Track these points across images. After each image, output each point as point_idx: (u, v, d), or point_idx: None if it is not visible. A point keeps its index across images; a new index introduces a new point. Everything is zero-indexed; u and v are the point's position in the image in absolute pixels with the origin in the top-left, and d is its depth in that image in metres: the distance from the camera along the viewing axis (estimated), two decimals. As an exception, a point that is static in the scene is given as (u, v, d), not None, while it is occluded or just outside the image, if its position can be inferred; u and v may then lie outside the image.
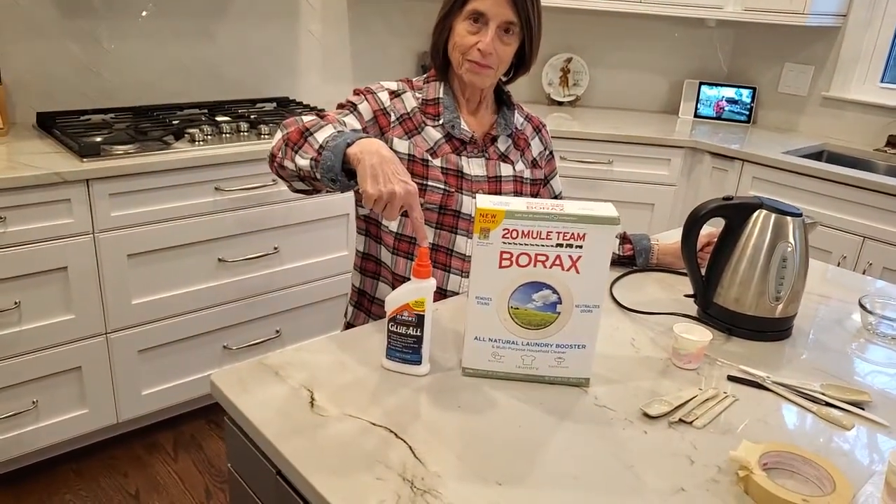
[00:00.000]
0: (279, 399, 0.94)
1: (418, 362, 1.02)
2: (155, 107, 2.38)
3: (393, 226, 1.31)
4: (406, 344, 1.01)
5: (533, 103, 3.26)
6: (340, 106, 1.28)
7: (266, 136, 2.18)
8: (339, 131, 1.07)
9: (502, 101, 1.38)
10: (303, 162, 1.07)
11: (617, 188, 2.76)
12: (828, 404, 1.02)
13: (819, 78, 2.95)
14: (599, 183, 2.76)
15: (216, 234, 2.09)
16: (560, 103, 3.26)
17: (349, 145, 1.01)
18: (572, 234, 0.95)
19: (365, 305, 1.40)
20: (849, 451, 0.92)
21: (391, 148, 1.24)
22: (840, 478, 0.81)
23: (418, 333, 1.00)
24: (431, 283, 0.99)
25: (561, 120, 2.92)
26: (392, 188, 0.96)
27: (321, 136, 1.07)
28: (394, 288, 1.34)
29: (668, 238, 1.53)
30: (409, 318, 1.00)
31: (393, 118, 1.28)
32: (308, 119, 1.13)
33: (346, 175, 1.02)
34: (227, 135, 2.18)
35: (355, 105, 1.27)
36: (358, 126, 1.24)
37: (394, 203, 0.96)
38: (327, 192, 1.14)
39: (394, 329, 1.01)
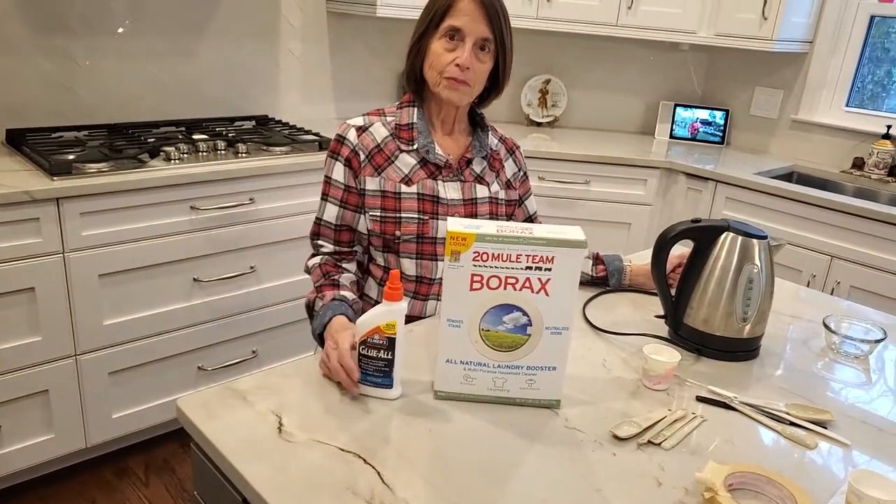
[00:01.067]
0: (246, 424, 0.93)
1: (389, 386, 1.02)
2: (131, 124, 2.36)
3: (379, 260, 1.33)
4: (377, 367, 1.01)
5: (512, 124, 3.30)
6: (324, 179, 1.32)
7: (243, 155, 2.17)
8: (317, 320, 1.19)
9: (476, 123, 1.39)
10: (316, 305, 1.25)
11: (594, 208, 2.79)
12: (793, 424, 1.04)
13: (788, 101, 3.02)
14: (577, 203, 2.78)
15: (191, 254, 2.08)
16: (539, 124, 3.30)
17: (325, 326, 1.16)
18: (541, 256, 0.96)
19: None
20: (812, 471, 0.93)
21: (363, 189, 1.30)
22: (802, 497, 0.82)
23: (389, 356, 1.00)
24: (402, 306, 1.00)
25: (540, 140, 2.95)
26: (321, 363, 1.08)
27: (313, 320, 1.23)
28: None
29: (641, 259, 1.55)
30: (380, 342, 0.99)
31: (363, 157, 1.30)
32: (311, 290, 1.28)
33: None
34: (204, 153, 2.17)
35: (329, 180, 1.32)
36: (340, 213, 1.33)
37: (340, 378, 1.02)
38: None
39: (364, 352, 1.01)
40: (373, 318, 1.00)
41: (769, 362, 1.24)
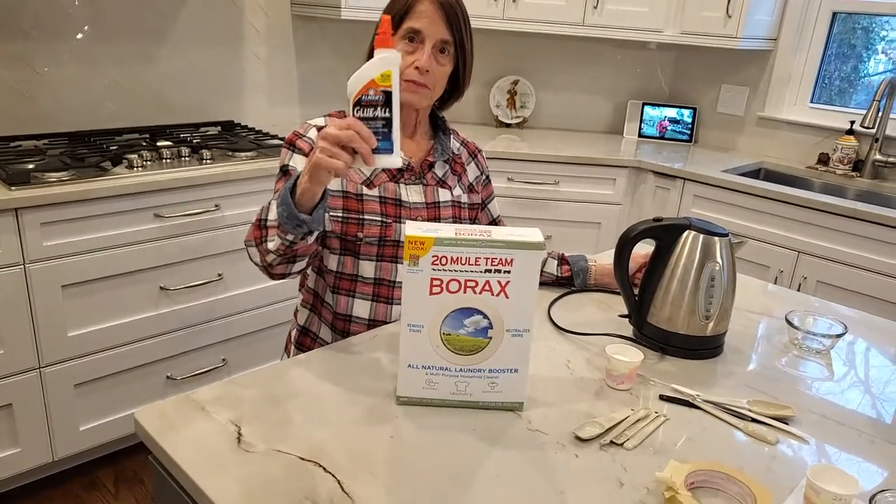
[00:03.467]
0: (205, 436, 0.91)
1: (389, 151, 0.93)
2: (92, 132, 2.32)
3: (332, 265, 1.30)
4: (375, 129, 0.91)
5: (481, 125, 3.30)
6: (281, 170, 1.29)
7: (208, 161, 2.15)
8: (284, 188, 1.09)
9: (437, 126, 1.39)
10: (272, 244, 1.12)
11: (564, 208, 2.80)
12: (754, 420, 1.04)
13: (754, 99, 3.06)
14: (547, 203, 2.79)
15: (157, 262, 2.04)
16: (508, 125, 3.30)
17: (292, 191, 1.05)
18: (500, 259, 0.95)
19: (307, 345, 1.39)
20: (773, 467, 0.94)
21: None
22: (761, 493, 0.82)
23: (387, 115, 0.91)
24: (396, 56, 0.93)
25: (509, 141, 2.96)
26: (316, 157, 0.98)
27: (272, 214, 1.11)
28: (333, 329, 1.33)
29: (606, 258, 1.55)
30: (376, 97, 0.90)
31: None
32: (262, 208, 1.17)
33: (308, 212, 1.06)
34: (168, 160, 2.14)
35: (286, 168, 1.28)
36: None
37: (326, 155, 0.95)
38: (304, 257, 1.17)
39: (359, 114, 0.91)
40: (365, 72, 0.90)
41: (733, 359, 1.25)
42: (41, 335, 1.87)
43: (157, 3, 2.42)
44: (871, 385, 1.20)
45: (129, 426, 2.13)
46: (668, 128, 3.24)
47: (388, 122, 0.91)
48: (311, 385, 1.04)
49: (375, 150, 0.93)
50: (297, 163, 1.27)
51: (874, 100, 2.51)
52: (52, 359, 1.91)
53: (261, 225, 1.15)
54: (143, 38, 2.42)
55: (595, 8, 2.81)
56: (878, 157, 2.68)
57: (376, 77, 0.89)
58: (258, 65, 2.76)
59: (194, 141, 2.31)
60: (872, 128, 2.59)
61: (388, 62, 0.90)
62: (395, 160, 0.95)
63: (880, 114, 2.62)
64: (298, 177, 1.06)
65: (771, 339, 1.34)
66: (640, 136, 3.26)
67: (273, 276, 1.20)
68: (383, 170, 1.29)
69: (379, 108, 0.90)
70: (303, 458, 0.88)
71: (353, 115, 0.92)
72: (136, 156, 2.05)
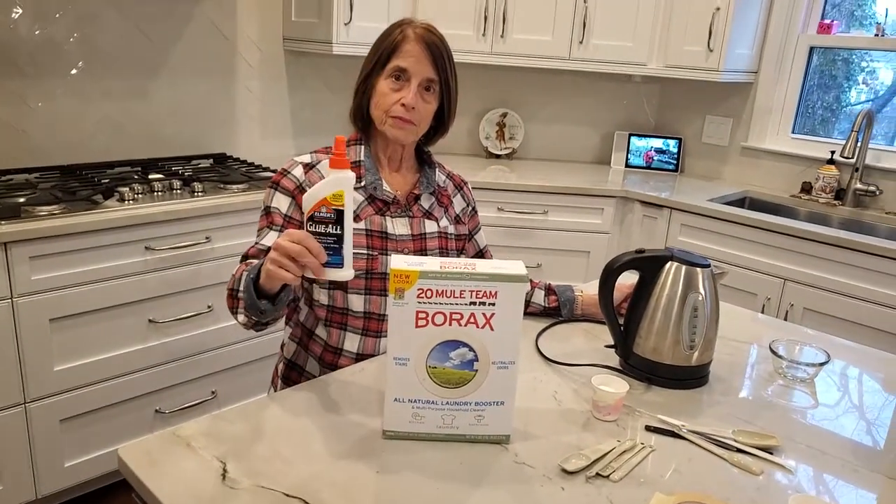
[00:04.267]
0: (189, 472, 0.91)
1: (339, 265, 0.97)
2: (84, 165, 2.34)
3: (323, 298, 1.31)
4: (326, 245, 0.95)
5: (471, 156, 3.34)
6: (264, 210, 1.30)
7: (199, 194, 2.16)
8: (247, 274, 1.13)
9: (423, 160, 1.41)
10: (241, 318, 1.17)
11: (553, 237, 2.82)
12: (740, 450, 1.05)
13: (738, 129, 3.11)
14: (536, 232, 2.82)
15: (146, 295, 2.04)
16: (497, 156, 3.34)
17: (256, 281, 1.09)
18: (485, 291, 0.97)
19: (294, 379, 1.39)
20: (757, 498, 0.95)
21: None
22: (746, 526, 0.83)
23: (338, 231, 0.95)
24: (350, 176, 0.96)
25: (499, 172, 2.99)
26: (267, 267, 1.02)
27: (242, 285, 1.14)
28: (321, 362, 1.34)
29: (593, 288, 1.56)
30: (328, 215, 0.94)
31: None
32: (233, 276, 1.20)
33: (269, 300, 1.11)
34: (159, 193, 2.15)
35: (269, 209, 1.29)
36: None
37: (276, 266, 0.99)
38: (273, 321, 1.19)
39: (312, 229, 0.95)
40: (318, 191, 0.94)
41: (719, 389, 1.26)
42: (27, 370, 1.86)
43: (151, 37, 2.46)
44: (856, 414, 1.21)
45: (116, 462, 2.10)
46: (655, 158, 3.29)
47: (338, 239, 0.96)
48: (298, 419, 1.05)
49: (326, 264, 0.97)
50: (280, 202, 1.29)
51: (853, 130, 2.56)
52: (38, 394, 1.89)
53: (233, 295, 1.18)
54: (136, 73, 2.45)
55: (581, 42, 2.87)
56: (858, 185, 2.73)
57: (328, 196, 0.94)
58: (251, 98, 2.79)
59: (186, 174, 2.33)
60: (852, 157, 2.63)
61: (341, 183, 0.95)
62: (345, 273, 0.99)
63: (859, 144, 2.67)
64: (263, 263, 1.09)
65: (756, 368, 1.35)
66: (627, 166, 3.30)
67: (255, 331, 1.23)
68: (369, 203, 1.31)
69: (331, 226, 0.95)
70: (288, 495, 0.88)
71: (307, 229, 0.97)
72: (127, 189, 2.06)
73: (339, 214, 0.94)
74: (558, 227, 2.82)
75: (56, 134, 2.32)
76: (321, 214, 0.94)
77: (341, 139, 0.99)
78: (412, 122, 1.27)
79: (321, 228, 0.95)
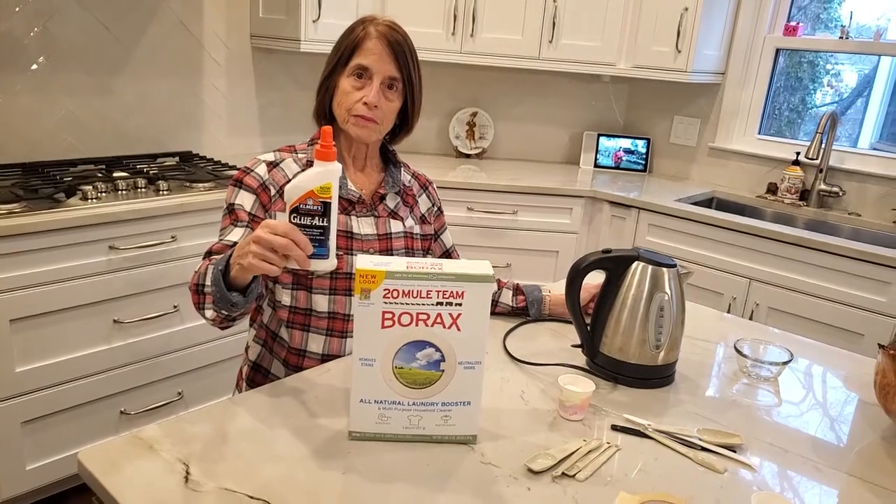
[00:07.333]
0: (151, 475, 0.89)
1: (325, 256, 0.96)
2: (47, 163, 2.28)
3: (286, 299, 1.29)
4: (311, 237, 0.95)
5: (441, 156, 3.33)
6: (227, 209, 1.28)
7: (165, 192, 2.12)
8: (214, 268, 1.10)
9: (388, 159, 1.40)
10: (209, 313, 1.14)
11: (522, 237, 2.83)
12: (704, 449, 1.06)
13: (705, 130, 3.16)
14: (506, 232, 2.82)
15: (111, 295, 2.00)
16: (467, 156, 3.34)
17: (224, 271, 1.06)
18: (451, 292, 0.96)
19: (258, 382, 1.37)
20: (721, 495, 0.96)
21: None
22: (708, 523, 0.84)
23: (324, 223, 0.94)
24: (337, 168, 0.95)
25: (469, 172, 2.99)
26: (248, 261, 0.99)
27: (209, 279, 1.11)
28: (286, 365, 1.32)
29: (560, 288, 1.57)
30: (315, 207, 0.93)
31: (273, 192, 1.27)
32: (197, 272, 1.17)
33: (240, 293, 1.08)
34: (123, 191, 2.11)
35: (233, 207, 1.26)
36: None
37: (258, 259, 0.97)
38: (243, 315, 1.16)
39: (296, 221, 0.94)
40: (305, 182, 0.93)
41: (684, 388, 1.27)
42: (-14, 372, 1.81)
43: (115, 33, 2.41)
44: (818, 412, 1.23)
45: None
46: (624, 158, 3.32)
47: (325, 231, 0.94)
48: (262, 421, 1.03)
49: (311, 255, 0.96)
50: (244, 200, 1.26)
51: (817, 132, 2.61)
52: (-2, 396, 1.85)
53: (198, 290, 1.16)
54: (99, 69, 2.40)
55: (550, 42, 2.88)
56: (822, 186, 2.78)
57: (315, 188, 0.93)
58: (217, 96, 2.75)
59: (151, 172, 2.29)
60: (816, 159, 2.69)
61: (328, 175, 0.93)
62: (330, 264, 0.98)
63: (823, 145, 2.72)
64: (230, 256, 1.07)
65: (722, 368, 1.37)
66: (595, 166, 3.33)
67: (221, 329, 1.20)
68: None
69: (317, 218, 0.93)
70: (252, 497, 0.87)
71: (290, 220, 0.95)
72: (90, 187, 2.02)
73: (326, 207, 0.93)
74: (528, 226, 2.83)
75: (17, 130, 2.26)
76: (307, 206, 0.92)
77: (328, 130, 0.97)
78: (375, 121, 1.26)
79: (307, 220, 0.93)
